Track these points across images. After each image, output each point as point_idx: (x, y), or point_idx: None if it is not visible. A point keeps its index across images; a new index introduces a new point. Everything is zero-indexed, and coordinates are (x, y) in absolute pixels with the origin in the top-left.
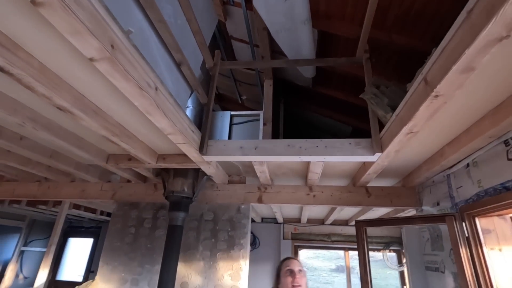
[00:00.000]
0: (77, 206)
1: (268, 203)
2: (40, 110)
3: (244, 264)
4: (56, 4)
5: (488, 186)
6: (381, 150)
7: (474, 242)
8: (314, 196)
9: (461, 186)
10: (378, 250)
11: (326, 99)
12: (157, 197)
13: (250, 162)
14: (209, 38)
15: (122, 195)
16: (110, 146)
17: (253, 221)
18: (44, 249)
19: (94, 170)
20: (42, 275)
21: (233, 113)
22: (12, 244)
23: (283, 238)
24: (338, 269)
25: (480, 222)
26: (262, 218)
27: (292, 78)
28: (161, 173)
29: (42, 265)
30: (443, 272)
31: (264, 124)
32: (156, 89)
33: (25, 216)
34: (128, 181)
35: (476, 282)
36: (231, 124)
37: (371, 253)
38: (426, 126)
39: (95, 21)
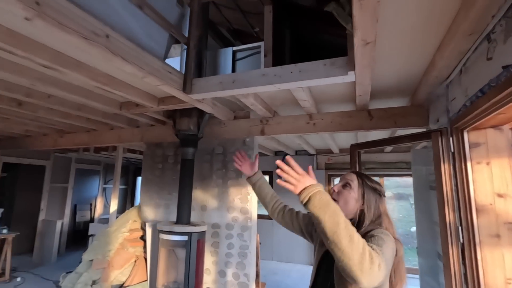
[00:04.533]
0: (132, 151)
1: (270, 134)
2: (43, 70)
3: (251, 189)
4: None
5: (472, 93)
6: (354, 67)
7: (458, 157)
8: (314, 124)
9: (454, 98)
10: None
11: (332, 16)
12: (175, 137)
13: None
14: None
15: (149, 137)
16: (117, 96)
17: (287, 154)
18: (121, 186)
19: (121, 118)
20: (114, 204)
21: (235, 48)
22: (96, 183)
23: (317, 168)
24: None
25: (469, 136)
26: (296, 151)
27: (295, 0)
28: (172, 115)
29: (112, 197)
30: None
31: (265, 56)
32: (107, 36)
33: (100, 161)
34: (152, 125)
35: (454, 198)
36: (234, 61)
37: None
38: (387, 32)
39: None
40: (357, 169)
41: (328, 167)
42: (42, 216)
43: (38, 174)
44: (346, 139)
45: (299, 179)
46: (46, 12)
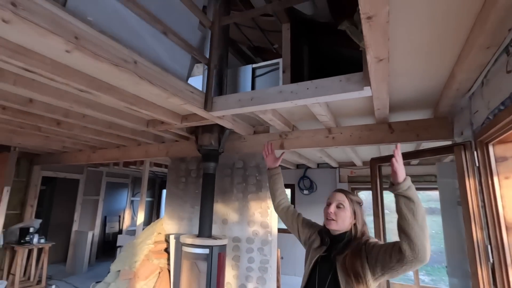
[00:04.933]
0: (158, 164)
1: (289, 148)
2: (80, 94)
3: (270, 204)
4: (15, 19)
5: (493, 106)
6: (369, 83)
7: (484, 171)
8: (333, 138)
9: (477, 111)
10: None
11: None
12: (197, 152)
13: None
14: None
15: (173, 152)
16: (144, 114)
17: (308, 167)
18: (148, 199)
19: (147, 134)
20: (140, 216)
21: (254, 66)
22: (125, 195)
23: (340, 181)
24: None
25: (494, 149)
26: (318, 164)
27: (312, 17)
28: (194, 131)
29: (139, 209)
30: None
31: (283, 72)
32: (135, 62)
33: (128, 174)
34: (176, 141)
35: (481, 214)
36: (253, 77)
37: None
38: (401, 48)
39: (52, 22)
40: (378, 184)
41: (351, 180)
42: (75, 227)
43: (72, 187)
44: (368, 151)
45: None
46: (83, 44)
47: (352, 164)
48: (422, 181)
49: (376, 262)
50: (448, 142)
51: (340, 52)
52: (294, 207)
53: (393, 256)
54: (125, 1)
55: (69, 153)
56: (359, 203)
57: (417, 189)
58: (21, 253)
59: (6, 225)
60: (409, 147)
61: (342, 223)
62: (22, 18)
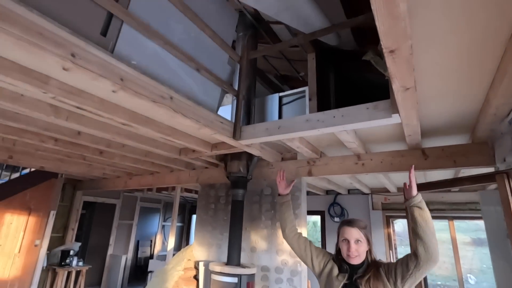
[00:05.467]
0: (188, 190)
1: (317, 175)
2: (121, 126)
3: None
4: (74, 67)
5: None
6: (397, 110)
7: None
8: (363, 164)
9: None
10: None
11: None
12: (226, 178)
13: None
14: (230, 35)
15: (203, 178)
16: (177, 144)
17: (339, 193)
18: (178, 224)
19: (179, 162)
20: (171, 242)
21: (281, 94)
22: (156, 220)
23: (373, 209)
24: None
25: None
26: (349, 190)
27: (337, 45)
28: (224, 158)
29: (170, 235)
30: None
31: (310, 99)
32: (171, 98)
33: (160, 200)
34: (206, 167)
35: None
36: (280, 106)
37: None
38: (428, 75)
39: (102, 67)
40: None
41: (385, 208)
42: (110, 250)
43: (109, 212)
44: (403, 177)
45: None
46: (127, 85)
47: (385, 191)
48: (465, 209)
49: (396, 276)
50: (490, 169)
51: (366, 77)
52: (325, 235)
53: (410, 263)
54: (163, 44)
55: (108, 179)
56: (366, 228)
57: (460, 218)
58: (62, 275)
59: (49, 248)
60: (447, 174)
61: (363, 254)
62: (79, 66)
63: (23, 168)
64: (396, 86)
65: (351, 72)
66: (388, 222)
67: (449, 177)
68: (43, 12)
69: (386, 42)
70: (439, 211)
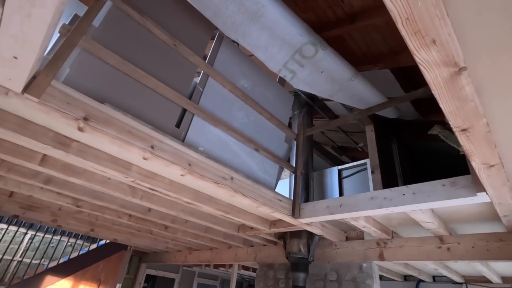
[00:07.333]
0: (245, 267)
1: (391, 260)
2: (185, 204)
3: None
4: (152, 157)
5: None
6: (483, 188)
7: None
8: (448, 249)
9: None
10: None
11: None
12: (285, 258)
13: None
14: (286, 114)
15: (261, 257)
16: (235, 221)
17: (421, 280)
18: None
19: (237, 238)
20: None
21: (340, 167)
22: None
23: None
24: None
25: None
26: (434, 277)
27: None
28: (283, 235)
29: None
30: None
31: (372, 172)
32: (232, 178)
33: (218, 276)
34: (264, 245)
35: None
36: (340, 179)
37: None
38: None
39: (174, 155)
40: None
41: None
42: None
43: (168, 286)
44: (509, 265)
45: None
46: (193, 169)
47: (485, 280)
48: None
49: None
50: None
51: (434, 146)
52: None
53: None
54: (226, 130)
55: (170, 253)
56: None
57: None
58: None
59: None
60: None
61: None
62: (157, 156)
63: (100, 240)
64: (476, 163)
65: (416, 142)
66: None
67: None
68: (132, 113)
69: (455, 122)
70: None
